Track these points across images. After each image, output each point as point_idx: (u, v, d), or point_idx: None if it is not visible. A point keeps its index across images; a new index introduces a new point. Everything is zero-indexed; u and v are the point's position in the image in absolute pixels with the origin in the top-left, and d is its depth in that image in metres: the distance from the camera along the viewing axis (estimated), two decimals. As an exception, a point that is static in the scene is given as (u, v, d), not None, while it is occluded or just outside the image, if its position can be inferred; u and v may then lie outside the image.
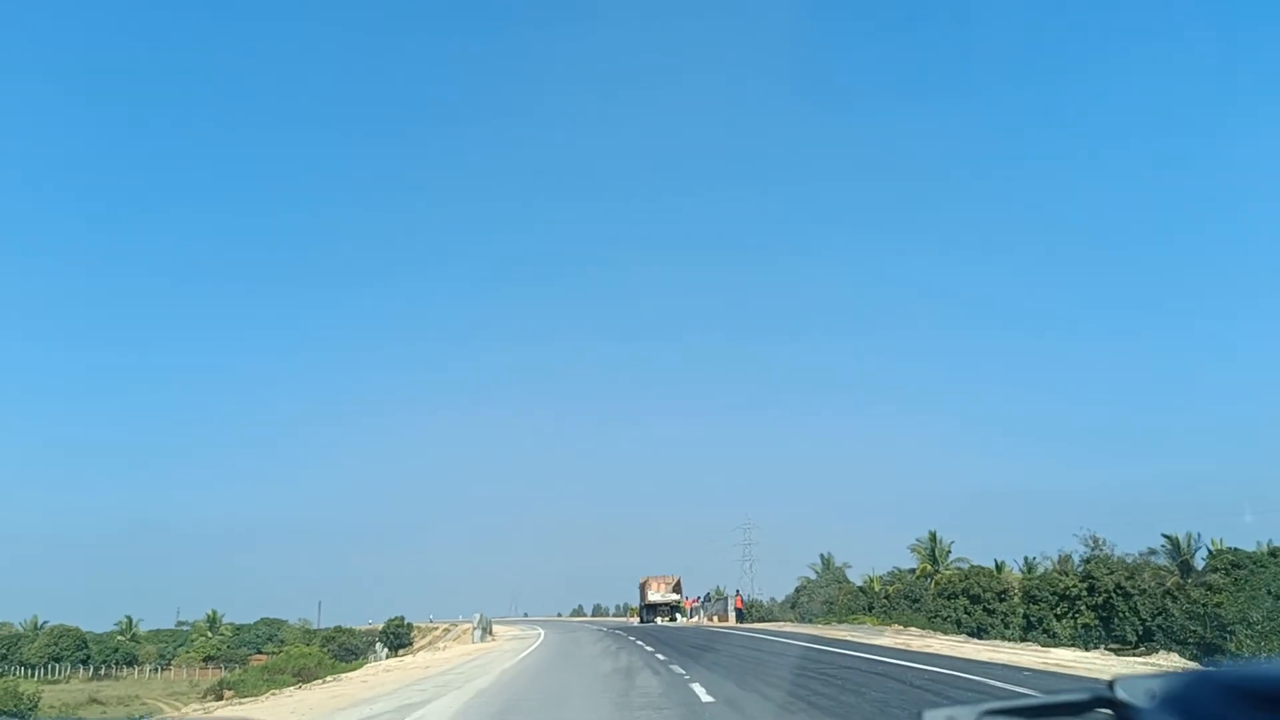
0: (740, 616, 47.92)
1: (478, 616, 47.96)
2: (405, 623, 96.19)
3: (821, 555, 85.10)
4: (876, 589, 72.37)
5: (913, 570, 77.28)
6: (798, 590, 67.75)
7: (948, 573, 72.14)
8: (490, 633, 57.54)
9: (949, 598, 68.31)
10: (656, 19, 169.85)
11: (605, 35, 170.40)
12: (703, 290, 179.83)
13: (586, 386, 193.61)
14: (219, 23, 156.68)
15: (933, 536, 77.95)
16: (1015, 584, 68.92)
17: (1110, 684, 1.37)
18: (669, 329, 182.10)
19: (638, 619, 63.70)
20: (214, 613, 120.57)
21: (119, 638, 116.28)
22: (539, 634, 54.03)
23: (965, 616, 66.34)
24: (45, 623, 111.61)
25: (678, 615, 58.97)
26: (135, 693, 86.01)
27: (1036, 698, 1.44)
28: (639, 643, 31.09)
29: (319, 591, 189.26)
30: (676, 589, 60.49)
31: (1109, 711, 1.37)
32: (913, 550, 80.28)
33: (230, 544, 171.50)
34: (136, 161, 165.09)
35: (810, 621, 50.87)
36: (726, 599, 50.27)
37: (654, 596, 60.02)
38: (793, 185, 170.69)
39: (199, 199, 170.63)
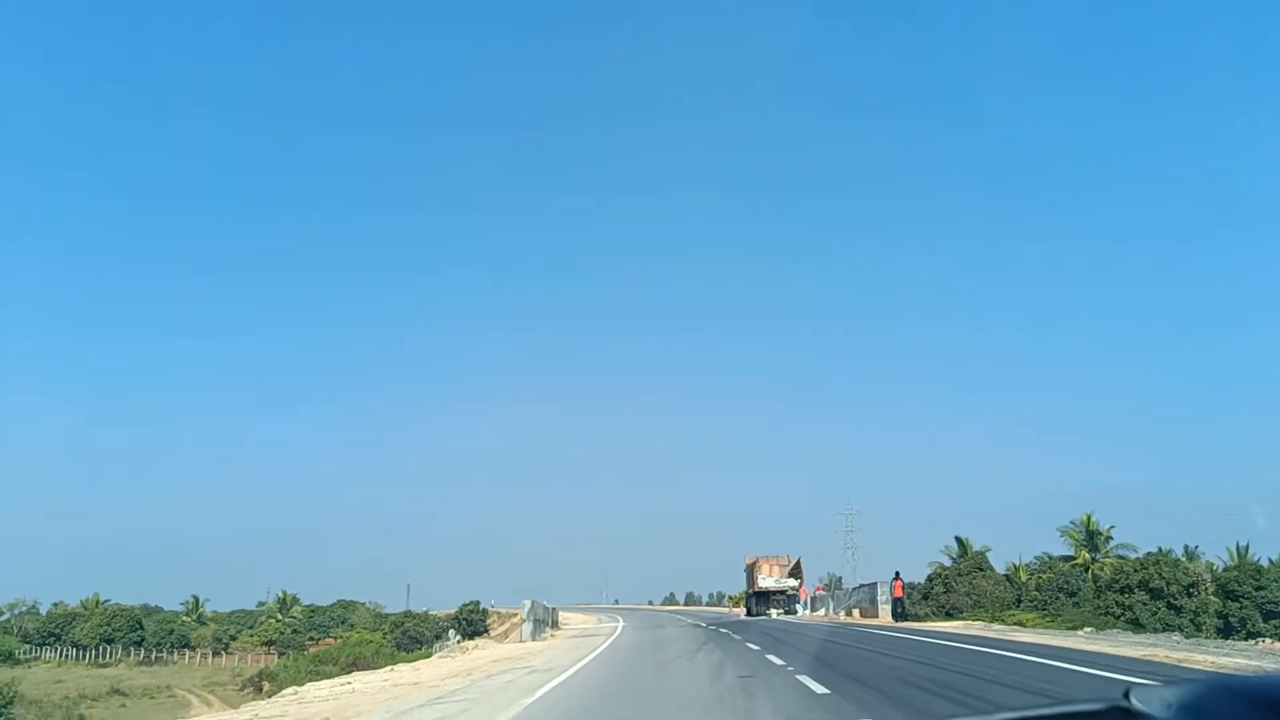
0: (899, 611, 32.31)
1: (527, 605, 33.74)
2: (480, 608, 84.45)
3: (957, 538, 70.54)
4: (1023, 578, 58.39)
5: (1067, 558, 63.12)
6: (930, 579, 52.50)
7: (1109, 561, 57.92)
8: (555, 625, 43.38)
9: (1122, 591, 54.27)
10: (660, 27, 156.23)
11: (616, 45, 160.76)
12: (801, 283, 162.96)
13: (685, 376, 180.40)
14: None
15: (1088, 519, 63.27)
16: (1205, 576, 54.56)
17: (1125, 692, 1.29)
18: (778, 323, 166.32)
19: (743, 610, 48.59)
20: (286, 593, 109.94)
21: (184, 618, 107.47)
22: (615, 628, 39.71)
23: (1147, 615, 51.37)
24: (107, 601, 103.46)
25: (797, 607, 43.91)
26: (171, 681, 75.08)
27: (1050, 707, 1.35)
28: (772, 658, 16.26)
29: (409, 575, 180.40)
30: (795, 572, 45.39)
31: None
32: (1064, 534, 65.62)
33: (329, 527, 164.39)
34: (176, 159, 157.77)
35: (956, 616, 35.53)
36: (875, 585, 34.84)
37: (766, 582, 45.05)
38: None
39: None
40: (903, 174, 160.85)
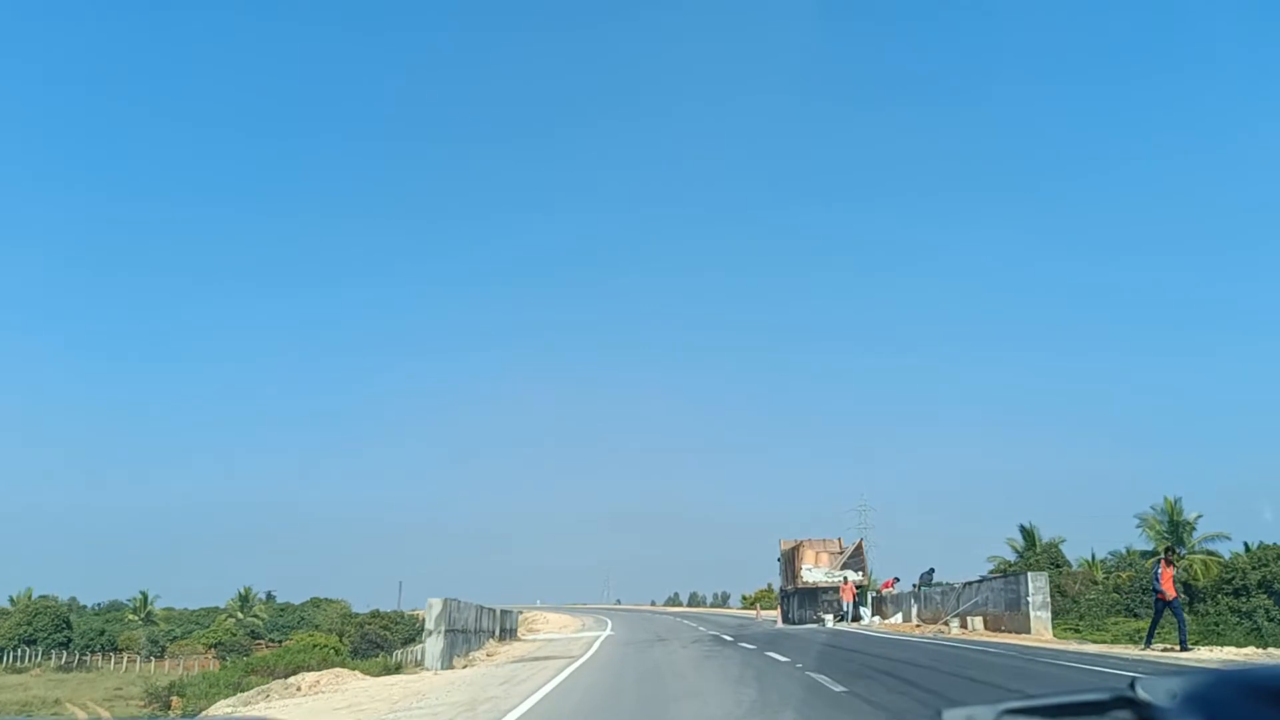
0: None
1: (435, 608, 19.11)
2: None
3: (1022, 527, 56.33)
4: (1098, 577, 45.25)
5: (1147, 553, 49.83)
6: (992, 578, 38.31)
7: (1197, 557, 44.89)
8: (505, 635, 28.89)
9: (1236, 593, 41.75)
10: (659, 24, 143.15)
11: (616, 50, 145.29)
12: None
13: (691, 371, 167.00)
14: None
15: (1171, 506, 49.74)
16: (1334, 573, 42.09)
17: (1131, 683, 1.26)
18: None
19: (777, 614, 33.94)
20: (248, 589, 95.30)
21: (130, 616, 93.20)
22: (595, 642, 25.37)
23: (1268, 623, 38.60)
24: (40, 596, 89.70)
25: (863, 611, 29.26)
26: (73, 693, 60.59)
27: (1056, 697, 1.30)
28: None
29: (404, 572, 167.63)
30: (854, 562, 30.82)
31: (1129, 712, 1.25)
32: (1143, 524, 51.89)
33: (325, 522, 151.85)
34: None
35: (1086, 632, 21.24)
36: (1020, 580, 19.76)
37: (813, 575, 30.48)
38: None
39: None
40: (939, 160, 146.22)
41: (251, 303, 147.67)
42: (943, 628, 22.22)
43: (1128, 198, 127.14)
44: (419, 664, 20.66)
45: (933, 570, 28.37)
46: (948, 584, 25.87)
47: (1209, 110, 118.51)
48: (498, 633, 27.01)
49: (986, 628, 21.38)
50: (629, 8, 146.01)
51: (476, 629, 23.43)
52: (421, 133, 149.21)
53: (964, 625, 21.94)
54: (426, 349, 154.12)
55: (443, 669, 18.87)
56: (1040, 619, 19.30)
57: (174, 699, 43.34)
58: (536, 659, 19.92)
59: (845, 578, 30.35)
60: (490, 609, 28.00)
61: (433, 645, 19.20)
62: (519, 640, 29.38)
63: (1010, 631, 20.10)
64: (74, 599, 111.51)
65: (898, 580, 31.44)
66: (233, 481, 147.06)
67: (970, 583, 24.05)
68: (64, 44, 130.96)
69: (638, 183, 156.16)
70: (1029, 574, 20.14)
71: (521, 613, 75.91)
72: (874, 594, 31.80)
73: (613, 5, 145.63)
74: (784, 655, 15.82)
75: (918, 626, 24.74)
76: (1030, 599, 19.47)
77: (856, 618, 29.11)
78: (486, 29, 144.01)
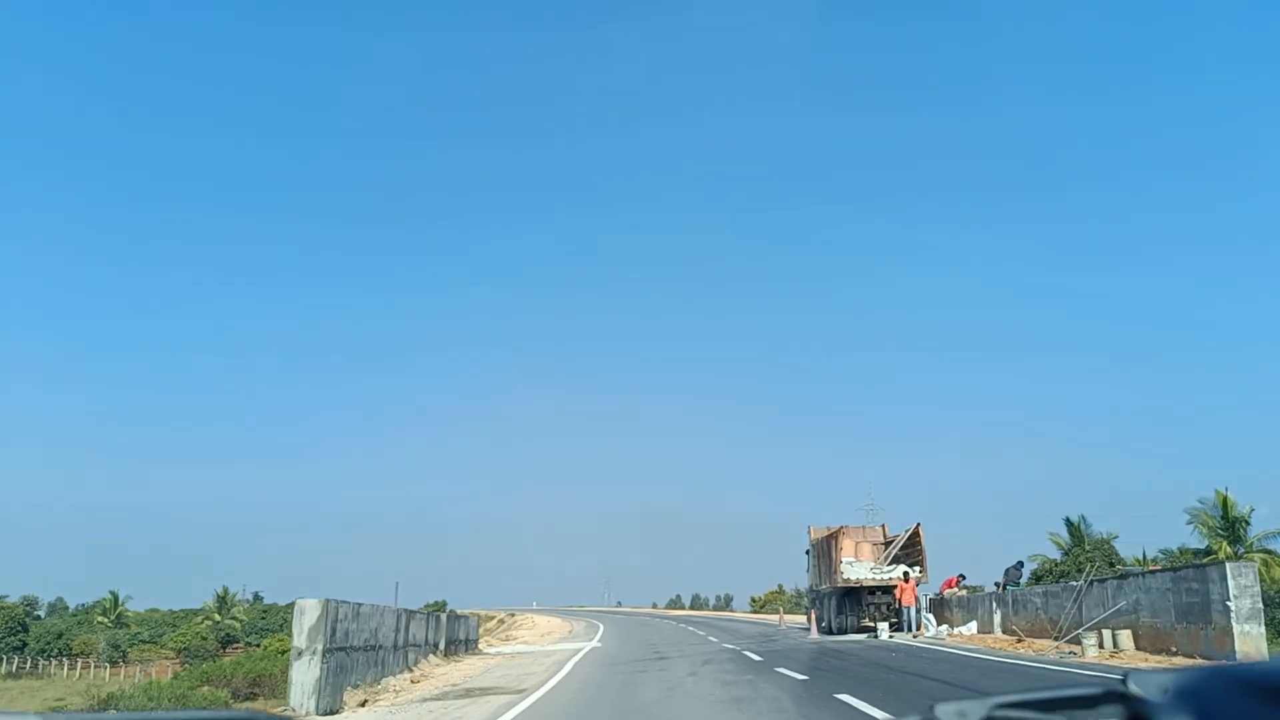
0: None
1: (307, 615, 12.22)
2: (449, 610, 63.14)
3: (1067, 520, 49.27)
4: None
5: (1200, 551, 43.21)
6: (1038, 578, 31.12)
7: (1256, 556, 40.66)
8: (463, 647, 21.84)
9: None
10: (660, 26, 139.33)
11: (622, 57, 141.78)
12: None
13: (694, 373, 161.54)
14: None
15: (1223, 499, 42.91)
16: None
17: (1123, 678, 1.23)
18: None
19: (811, 623, 26.49)
20: (226, 589, 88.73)
21: (99, 618, 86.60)
22: (568, 660, 18.21)
23: None
24: (3, 597, 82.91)
25: (926, 617, 22.13)
26: (9, 702, 54.50)
27: (1049, 691, 1.26)
28: None
29: (402, 573, 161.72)
30: (906, 555, 23.61)
31: (1120, 707, 1.22)
32: (1195, 520, 44.82)
33: (329, 519, 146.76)
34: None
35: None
36: (1212, 572, 12.78)
37: (855, 571, 23.21)
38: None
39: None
40: (947, 161, 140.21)
41: (251, 302, 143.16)
42: (1070, 646, 15.14)
43: (1138, 200, 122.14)
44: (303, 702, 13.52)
45: (1022, 564, 21.32)
46: (1068, 586, 18.63)
47: (1225, 113, 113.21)
48: (442, 646, 19.90)
49: (1140, 646, 14.24)
50: (630, 9, 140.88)
51: (399, 644, 16.34)
52: (421, 133, 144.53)
53: (1101, 643, 14.77)
54: (427, 349, 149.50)
55: (317, 712, 11.83)
56: (1250, 636, 12.17)
57: (112, 710, 36.70)
58: (469, 693, 12.84)
59: (905, 573, 23.19)
60: (434, 614, 20.95)
61: (302, 673, 12.08)
62: (476, 654, 22.30)
63: (1191, 654, 12.97)
64: (60, 598, 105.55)
65: (963, 578, 24.28)
66: (232, 480, 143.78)
67: (1103, 580, 16.97)
68: (64, 44, 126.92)
69: (638, 183, 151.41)
70: (1228, 566, 12.99)
71: (512, 615, 69.04)
72: (930, 596, 24.67)
73: (614, 7, 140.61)
74: (874, 706, 8.70)
75: (1019, 641, 17.57)
76: (1232, 605, 12.31)
77: (919, 626, 22.00)
78: (487, 29, 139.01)
